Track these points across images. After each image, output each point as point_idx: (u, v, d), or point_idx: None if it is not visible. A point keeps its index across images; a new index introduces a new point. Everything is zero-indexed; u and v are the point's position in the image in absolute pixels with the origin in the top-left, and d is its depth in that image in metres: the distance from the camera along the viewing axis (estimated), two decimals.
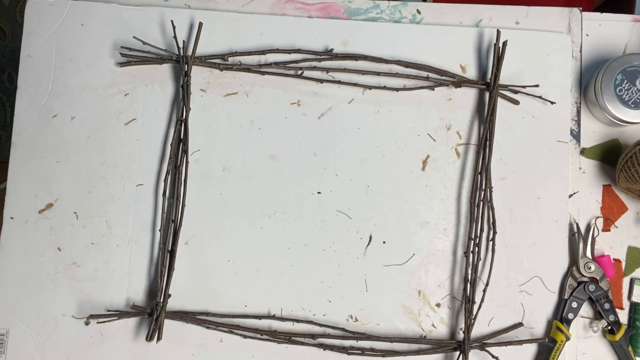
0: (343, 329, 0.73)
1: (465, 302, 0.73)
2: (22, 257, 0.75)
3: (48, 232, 0.76)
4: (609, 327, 0.73)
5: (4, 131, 1.49)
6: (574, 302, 0.73)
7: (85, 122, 0.78)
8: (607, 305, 0.73)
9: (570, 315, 0.73)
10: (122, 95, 0.78)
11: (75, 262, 0.75)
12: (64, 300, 0.74)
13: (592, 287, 0.73)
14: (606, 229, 0.76)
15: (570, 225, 0.75)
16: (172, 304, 0.74)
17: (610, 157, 0.77)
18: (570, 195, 0.76)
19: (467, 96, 0.78)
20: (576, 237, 0.74)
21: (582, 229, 0.75)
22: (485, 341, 0.73)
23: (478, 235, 0.74)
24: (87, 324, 0.74)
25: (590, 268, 0.73)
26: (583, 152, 0.77)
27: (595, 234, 0.75)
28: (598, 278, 0.74)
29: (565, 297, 0.73)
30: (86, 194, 0.76)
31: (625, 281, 0.75)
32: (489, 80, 0.77)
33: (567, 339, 0.72)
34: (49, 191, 0.76)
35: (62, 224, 0.76)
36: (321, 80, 0.78)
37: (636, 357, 0.72)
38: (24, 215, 0.76)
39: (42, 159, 0.77)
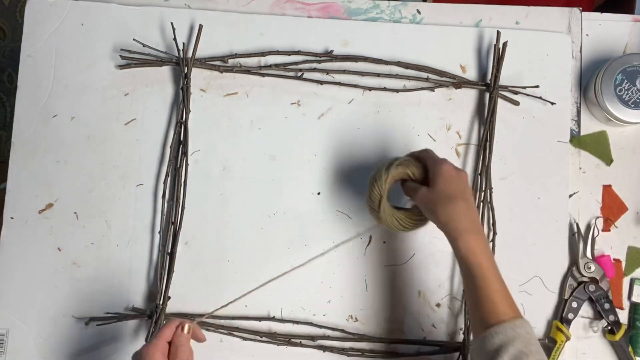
0: (343, 330, 0.73)
1: (465, 304, 0.73)
2: (22, 257, 0.75)
3: (48, 232, 0.76)
4: (609, 327, 0.73)
5: (4, 131, 1.49)
6: (574, 302, 0.73)
7: (85, 122, 0.78)
8: (607, 305, 0.73)
9: (570, 315, 0.73)
10: (122, 96, 0.78)
11: (75, 262, 0.75)
12: (64, 300, 0.74)
13: (592, 287, 0.73)
14: (606, 229, 0.76)
15: (570, 225, 0.75)
16: (172, 306, 0.74)
17: (598, 147, 0.77)
18: (570, 195, 0.76)
19: (467, 96, 0.78)
20: (576, 237, 0.74)
21: (582, 229, 0.75)
22: None
23: None
24: (87, 324, 0.74)
25: (590, 268, 0.73)
26: (572, 140, 0.77)
27: (595, 234, 0.75)
28: (598, 278, 0.73)
29: (566, 297, 0.73)
30: (86, 194, 0.76)
31: (625, 281, 0.75)
32: (489, 81, 0.77)
33: (567, 339, 0.72)
34: (49, 191, 0.76)
35: (62, 224, 0.76)
36: (321, 82, 0.78)
37: (636, 357, 0.72)
38: (24, 215, 0.76)
39: (42, 159, 0.77)
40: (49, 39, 0.79)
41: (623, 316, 0.74)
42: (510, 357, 0.53)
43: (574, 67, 0.79)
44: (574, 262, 0.74)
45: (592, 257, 0.74)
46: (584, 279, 0.74)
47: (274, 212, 0.76)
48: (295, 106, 0.78)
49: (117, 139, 0.77)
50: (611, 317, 0.72)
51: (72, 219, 0.76)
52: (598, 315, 0.74)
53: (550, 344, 0.72)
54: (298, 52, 0.78)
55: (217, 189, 0.77)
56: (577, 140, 0.77)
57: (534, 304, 0.74)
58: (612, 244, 0.75)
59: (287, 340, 0.73)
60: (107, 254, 0.75)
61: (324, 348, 0.73)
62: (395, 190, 0.68)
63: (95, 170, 0.77)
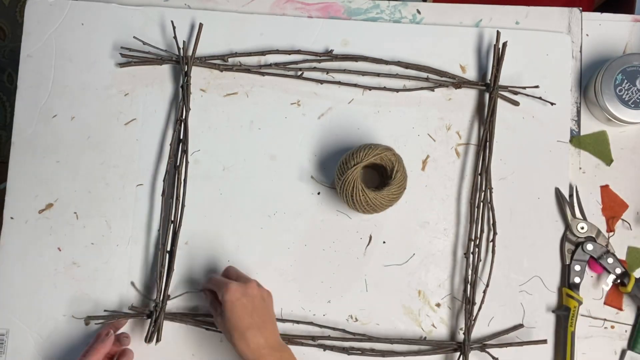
0: (343, 330, 0.73)
1: (465, 304, 0.73)
2: (22, 257, 0.75)
3: (48, 232, 0.76)
4: (618, 280, 0.72)
5: (4, 131, 1.49)
6: (577, 265, 0.73)
7: (85, 122, 0.78)
8: (610, 260, 0.72)
9: (577, 279, 0.73)
10: (122, 95, 0.78)
11: (75, 262, 0.75)
12: (64, 300, 0.74)
13: (590, 247, 0.73)
14: (610, 229, 0.76)
15: (555, 193, 0.76)
16: (171, 305, 0.74)
17: (598, 147, 0.77)
18: (570, 195, 0.76)
19: (467, 96, 0.78)
20: (562, 202, 0.75)
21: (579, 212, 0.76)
22: (485, 342, 0.73)
23: (478, 236, 0.74)
24: (87, 324, 0.74)
25: (583, 228, 0.74)
26: (572, 140, 0.77)
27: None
28: (594, 236, 0.74)
29: (567, 263, 0.73)
30: (86, 194, 0.76)
31: None
32: (488, 81, 0.77)
33: (580, 302, 0.72)
34: (49, 191, 0.76)
35: (62, 224, 0.76)
36: (321, 81, 0.78)
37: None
38: (24, 215, 0.76)
39: (42, 159, 0.77)
40: (49, 39, 0.79)
41: (624, 317, 0.74)
42: None
43: (574, 67, 0.79)
44: (566, 226, 0.75)
45: (582, 217, 0.74)
46: (580, 240, 0.74)
47: (274, 212, 0.76)
48: (295, 106, 0.78)
49: (117, 138, 0.77)
50: (617, 270, 0.72)
51: (72, 219, 0.76)
52: (606, 273, 0.73)
53: (564, 312, 0.72)
54: (298, 52, 0.78)
55: (217, 188, 0.77)
56: (577, 140, 0.77)
57: (534, 304, 0.74)
58: (612, 244, 0.75)
59: (288, 339, 0.73)
60: (107, 254, 0.75)
61: (324, 347, 0.73)
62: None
63: (95, 170, 0.77)
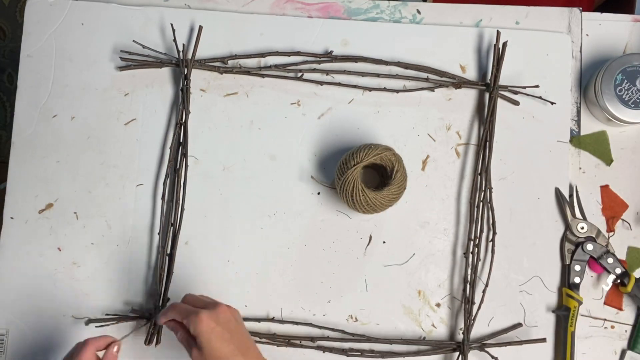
0: (342, 331, 0.73)
1: (464, 303, 0.73)
2: (22, 257, 0.75)
3: (48, 232, 0.76)
4: (618, 280, 0.73)
5: (4, 131, 1.49)
6: (577, 265, 0.73)
7: (85, 122, 0.78)
8: (610, 260, 0.73)
9: (577, 279, 0.73)
10: (122, 95, 0.78)
11: (75, 262, 0.75)
12: (64, 300, 0.74)
13: (589, 247, 0.73)
14: (610, 229, 0.76)
15: (555, 193, 0.76)
16: None
17: (598, 147, 0.77)
18: (570, 195, 0.76)
19: (467, 96, 0.78)
20: (562, 202, 0.75)
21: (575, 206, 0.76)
22: (484, 342, 0.73)
23: (477, 236, 0.74)
24: (87, 324, 0.74)
25: (583, 228, 0.74)
26: (572, 140, 0.77)
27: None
28: (594, 236, 0.74)
29: (567, 263, 0.74)
30: (86, 194, 0.76)
31: None
32: (488, 81, 0.77)
33: (580, 302, 0.72)
34: (49, 191, 0.76)
35: (62, 224, 0.76)
36: (321, 83, 0.78)
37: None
38: (24, 215, 0.76)
39: (42, 159, 0.77)
40: (49, 39, 0.79)
41: (624, 317, 0.74)
42: None
43: (574, 67, 0.79)
44: (566, 226, 0.75)
45: (582, 217, 0.75)
46: (580, 240, 0.74)
47: (274, 212, 0.76)
48: (295, 106, 0.78)
49: (117, 139, 0.77)
50: (617, 270, 0.72)
51: (72, 219, 0.76)
52: (606, 272, 0.74)
53: (564, 312, 0.72)
54: (298, 53, 0.78)
55: (217, 189, 0.77)
56: (577, 140, 0.77)
57: (534, 304, 0.74)
58: (612, 244, 0.75)
59: (287, 341, 0.73)
60: (107, 254, 0.75)
61: (323, 349, 0.73)
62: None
63: (95, 170, 0.77)
